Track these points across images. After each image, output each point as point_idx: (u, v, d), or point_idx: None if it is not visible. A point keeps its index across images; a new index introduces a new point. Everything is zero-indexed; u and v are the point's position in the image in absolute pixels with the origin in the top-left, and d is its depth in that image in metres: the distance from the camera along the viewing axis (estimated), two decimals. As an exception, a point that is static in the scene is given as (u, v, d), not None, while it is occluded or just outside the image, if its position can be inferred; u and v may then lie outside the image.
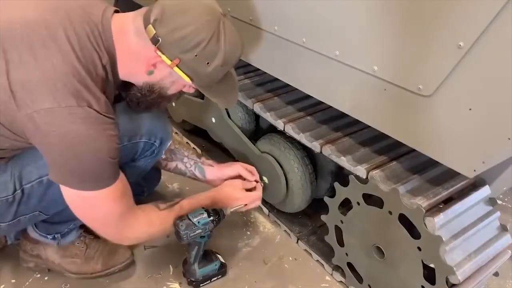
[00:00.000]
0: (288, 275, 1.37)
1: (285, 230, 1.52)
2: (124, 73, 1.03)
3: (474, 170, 0.86)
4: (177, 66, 0.97)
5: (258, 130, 1.67)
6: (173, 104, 1.94)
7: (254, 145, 1.54)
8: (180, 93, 1.12)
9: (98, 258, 1.30)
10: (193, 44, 0.94)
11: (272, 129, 1.49)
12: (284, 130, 1.35)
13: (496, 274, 1.12)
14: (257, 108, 1.44)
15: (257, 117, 1.64)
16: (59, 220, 1.21)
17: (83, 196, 0.97)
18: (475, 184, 1.12)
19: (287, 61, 1.21)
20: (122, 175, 1.03)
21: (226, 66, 1.01)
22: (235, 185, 1.32)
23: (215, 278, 1.30)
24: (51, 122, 0.87)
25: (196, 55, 0.95)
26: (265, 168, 1.48)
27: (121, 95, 1.11)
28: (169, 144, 1.25)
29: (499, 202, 1.19)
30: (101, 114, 0.92)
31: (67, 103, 0.87)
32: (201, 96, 1.80)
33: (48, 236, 1.24)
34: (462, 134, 0.85)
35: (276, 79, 1.32)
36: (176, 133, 2.03)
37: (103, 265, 1.30)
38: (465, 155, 0.87)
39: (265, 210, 1.59)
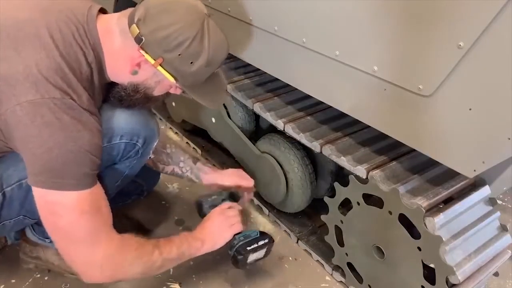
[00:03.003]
0: (288, 275, 1.37)
1: (285, 230, 1.52)
2: (110, 73, 1.03)
3: (474, 170, 0.86)
4: (160, 65, 0.96)
5: (258, 130, 1.67)
6: (173, 104, 1.94)
7: (254, 145, 1.54)
8: (167, 94, 1.11)
9: None
10: (176, 43, 0.94)
11: (272, 129, 1.49)
12: (284, 130, 1.35)
13: (496, 274, 1.12)
14: (257, 108, 1.44)
15: (257, 117, 1.64)
16: None
17: (48, 199, 0.91)
18: (475, 184, 1.12)
19: (287, 61, 1.21)
20: (99, 190, 0.97)
21: (210, 67, 1.01)
22: (214, 215, 1.23)
23: (261, 243, 1.19)
24: (34, 113, 0.86)
25: (179, 54, 0.95)
26: (265, 168, 1.49)
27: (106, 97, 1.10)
28: (155, 144, 1.20)
29: (499, 202, 1.19)
30: (83, 109, 0.92)
31: (50, 95, 0.87)
32: (201, 96, 1.80)
33: (46, 239, 1.23)
34: (462, 134, 0.85)
35: (276, 79, 1.32)
36: (176, 133, 2.03)
37: None
38: (465, 155, 0.87)
39: (265, 210, 1.59)
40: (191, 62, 0.97)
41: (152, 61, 0.96)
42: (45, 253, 1.27)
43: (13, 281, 1.27)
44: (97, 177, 0.97)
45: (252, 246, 1.16)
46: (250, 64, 1.39)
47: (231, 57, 1.68)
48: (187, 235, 1.16)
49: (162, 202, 1.62)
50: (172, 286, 1.29)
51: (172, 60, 0.96)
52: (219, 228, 1.20)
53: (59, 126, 0.88)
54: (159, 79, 1.02)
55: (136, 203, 1.58)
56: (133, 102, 1.07)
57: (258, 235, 1.20)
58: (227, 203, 1.25)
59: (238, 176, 1.40)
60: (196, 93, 1.06)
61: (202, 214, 1.21)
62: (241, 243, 1.17)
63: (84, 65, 0.96)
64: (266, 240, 1.19)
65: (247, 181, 1.39)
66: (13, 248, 1.35)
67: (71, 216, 0.92)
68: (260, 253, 1.19)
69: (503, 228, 1.13)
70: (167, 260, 1.07)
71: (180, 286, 1.30)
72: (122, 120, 1.08)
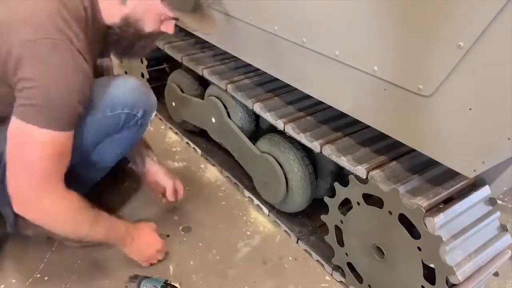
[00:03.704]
0: (288, 275, 1.37)
1: (285, 230, 1.52)
2: (105, 15, 1.09)
3: (474, 170, 0.86)
4: None
5: (258, 130, 1.67)
6: (173, 104, 1.94)
7: (254, 145, 1.54)
8: (159, 32, 1.15)
9: None
10: None
11: (272, 129, 1.49)
12: (284, 130, 1.35)
13: (496, 274, 1.12)
14: (257, 108, 1.44)
15: (257, 117, 1.64)
16: None
17: (24, 131, 0.96)
18: (475, 184, 1.12)
19: (287, 61, 1.21)
20: (70, 137, 1.02)
21: None
22: (151, 238, 1.31)
23: None
24: (33, 52, 0.93)
25: None
26: (265, 168, 1.49)
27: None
28: (153, 115, 1.26)
29: (499, 202, 1.19)
30: (80, 53, 0.98)
31: (49, 35, 0.94)
32: (201, 96, 1.80)
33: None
34: (462, 134, 0.85)
35: (276, 79, 1.32)
36: (176, 133, 2.03)
37: None
38: (465, 155, 0.87)
39: (265, 210, 1.59)
40: None
41: None
42: None
43: (13, 281, 1.27)
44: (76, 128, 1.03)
45: None
46: (250, 64, 1.39)
47: (231, 57, 1.69)
48: (122, 224, 1.22)
49: (162, 202, 1.61)
50: (172, 286, 1.29)
51: None
52: (145, 250, 1.29)
53: (54, 65, 0.94)
54: (146, 6, 1.07)
55: (136, 203, 1.58)
56: (128, 39, 1.13)
57: (163, 284, 1.21)
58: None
59: (175, 180, 1.45)
60: (188, 19, 1.11)
61: None
62: None
63: (81, 9, 1.02)
64: None
65: (180, 188, 1.46)
66: (14, 248, 1.35)
67: (39, 152, 0.98)
68: None
69: (503, 228, 1.13)
70: (91, 235, 1.13)
71: (180, 286, 1.29)
72: (123, 92, 1.14)
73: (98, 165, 1.28)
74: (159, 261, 1.34)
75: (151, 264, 1.32)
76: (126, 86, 1.15)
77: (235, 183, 1.71)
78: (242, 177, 1.70)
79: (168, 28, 1.14)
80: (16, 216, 1.31)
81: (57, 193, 1.04)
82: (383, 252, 1.14)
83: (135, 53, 1.20)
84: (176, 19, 1.12)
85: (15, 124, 0.98)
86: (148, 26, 1.11)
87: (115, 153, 1.24)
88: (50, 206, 1.04)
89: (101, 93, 1.10)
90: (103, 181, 1.47)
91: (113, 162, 1.29)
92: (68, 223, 1.08)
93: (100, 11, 1.08)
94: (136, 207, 1.57)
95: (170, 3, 1.07)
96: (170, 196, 1.44)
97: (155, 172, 1.43)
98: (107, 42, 1.15)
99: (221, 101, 1.65)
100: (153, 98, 1.24)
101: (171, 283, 1.22)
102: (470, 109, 0.82)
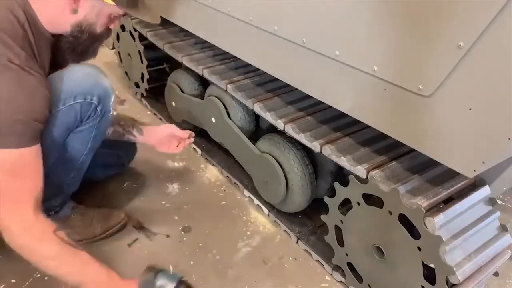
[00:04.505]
0: (288, 275, 1.37)
1: (285, 230, 1.52)
2: (49, 26, 1.08)
3: (474, 170, 0.86)
4: None
5: (258, 130, 1.67)
6: (173, 104, 1.94)
7: (254, 145, 1.54)
8: (108, 31, 1.18)
9: (97, 223, 1.38)
10: None
11: (272, 129, 1.49)
12: (284, 130, 1.35)
13: (496, 274, 1.12)
14: (257, 108, 1.44)
15: (257, 117, 1.64)
16: (48, 196, 1.16)
17: None
18: (475, 184, 1.12)
19: (287, 61, 1.21)
20: (30, 154, 0.97)
21: None
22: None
23: None
24: None
25: None
26: (265, 168, 1.49)
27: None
28: (112, 98, 1.23)
29: (499, 202, 1.19)
30: (23, 68, 0.95)
31: None
32: (201, 96, 1.80)
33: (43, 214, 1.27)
34: (462, 134, 0.85)
35: (276, 79, 1.32)
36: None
37: (102, 228, 1.39)
38: (465, 155, 0.87)
39: (265, 210, 1.59)
40: None
41: None
42: None
43: (13, 281, 1.27)
44: (39, 143, 1.00)
45: None
46: (250, 64, 1.39)
47: (231, 57, 1.69)
48: (104, 272, 1.07)
49: (162, 202, 1.62)
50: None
51: None
52: None
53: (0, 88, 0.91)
54: (98, 9, 1.10)
55: (136, 203, 1.58)
56: (83, 44, 1.14)
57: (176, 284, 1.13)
58: None
59: (172, 127, 1.52)
60: (135, 13, 1.14)
61: None
62: None
63: (18, 27, 0.99)
64: None
65: (181, 132, 1.52)
66: (13, 248, 1.36)
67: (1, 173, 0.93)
68: None
69: (503, 228, 1.13)
70: (61, 275, 1.04)
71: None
72: (72, 82, 1.12)
73: (71, 164, 1.27)
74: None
75: None
76: (74, 76, 1.14)
77: (235, 183, 1.72)
78: (242, 177, 1.70)
79: (115, 24, 1.18)
80: None
81: (26, 220, 0.97)
82: (383, 252, 1.14)
83: (89, 56, 1.21)
84: (125, 15, 1.17)
85: None
86: (100, 27, 1.15)
87: (85, 148, 1.21)
88: (16, 233, 0.98)
89: (52, 89, 1.07)
90: (103, 182, 1.47)
91: (86, 159, 1.26)
92: (38, 252, 1.00)
93: (40, 23, 1.06)
94: (136, 207, 1.57)
95: (120, 2, 1.10)
96: (184, 133, 1.51)
97: (154, 131, 1.48)
98: (60, 50, 1.15)
99: (221, 101, 1.65)
100: (106, 82, 1.21)
101: (187, 281, 1.18)
102: (470, 109, 0.82)
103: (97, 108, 1.18)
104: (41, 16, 1.06)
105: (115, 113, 1.31)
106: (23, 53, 0.97)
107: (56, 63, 1.18)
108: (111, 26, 1.19)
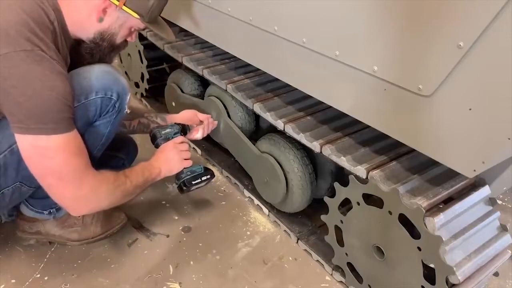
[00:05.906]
0: (288, 275, 1.37)
1: (285, 230, 1.52)
2: (74, 29, 1.12)
3: (474, 170, 0.86)
4: (124, 5, 1.10)
5: (258, 130, 1.67)
6: (173, 104, 1.94)
7: (254, 145, 1.54)
8: (125, 42, 1.24)
9: (97, 223, 1.40)
10: None
11: (272, 129, 1.49)
12: (284, 130, 1.35)
13: (496, 274, 1.12)
14: (257, 108, 1.44)
15: (257, 117, 1.64)
16: None
17: (38, 144, 0.99)
18: (475, 184, 1.12)
19: (287, 61, 1.21)
20: (77, 133, 1.06)
21: (161, 1, 1.18)
22: (168, 148, 1.36)
23: (204, 178, 1.38)
24: (10, 65, 0.94)
25: None
26: (265, 168, 1.49)
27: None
28: (129, 97, 1.27)
29: (499, 202, 1.19)
30: (52, 59, 1.00)
31: (22, 47, 0.95)
32: (201, 96, 1.80)
33: (44, 211, 1.32)
34: (462, 134, 0.85)
35: (276, 79, 1.32)
36: (176, 133, 2.03)
37: (102, 228, 1.41)
38: (465, 155, 0.87)
39: (265, 210, 1.59)
40: None
41: (117, 3, 1.09)
42: (44, 227, 1.35)
43: (13, 281, 1.27)
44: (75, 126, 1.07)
45: (197, 181, 1.36)
46: (250, 64, 1.39)
47: (231, 57, 1.69)
48: (145, 164, 1.27)
49: (162, 202, 1.62)
50: (172, 286, 1.30)
51: None
52: (173, 159, 1.33)
53: (35, 76, 0.96)
54: (122, 21, 1.15)
55: (136, 203, 1.58)
56: (102, 52, 1.19)
57: (202, 170, 1.39)
58: (180, 138, 1.40)
59: (193, 111, 1.57)
60: (155, 28, 1.21)
61: (156, 145, 1.39)
62: (188, 177, 1.35)
63: (48, 22, 1.03)
64: (208, 176, 1.40)
65: (202, 116, 1.57)
66: (14, 248, 1.36)
67: (61, 156, 1.01)
68: (201, 184, 1.39)
69: (503, 228, 1.13)
70: (136, 187, 1.19)
71: (180, 286, 1.30)
72: (93, 78, 1.16)
73: None
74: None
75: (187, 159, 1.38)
76: (94, 72, 1.16)
77: (235, 183, 1.72)
78: (242, 177, 1.70)
79: (133, 37, 1.24)
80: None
81: (96, 180, 1.09)
82: (383, 252, 1.14)
83: (106, 63, 1.24)
84: (145, 29, 1.23)
85: (22, 141, 0.99)
86: (120, 38, 1.20)
87: (99, 142, 1.24)
88: (95, 193, 1.09)
89: (73, 84, 1.10)
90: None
91: (98, 153, 1.28)
92: (118, 194, 1.14)
93: (66, 25, 1.10)
94: (136, 207, 1.57)
95: (145, 19, 1.16)
96: (204, 117, 1.56)
97: (176, 115, 1.54)
98: (78, 54, 1.18)
99: (221, 101, 1.65)
100: (123, 81, 1.25)
101: (209, 168, 1.40)
102: (470, 109, 0.82)
103: (115, 105, 1.21)
104: (68, 18, 1.09)
105: (128, 111, 1.36)
106: (52, 46, 1.02)
107: (70, 66, 1.20)
108: (129, 39, 1.24)
